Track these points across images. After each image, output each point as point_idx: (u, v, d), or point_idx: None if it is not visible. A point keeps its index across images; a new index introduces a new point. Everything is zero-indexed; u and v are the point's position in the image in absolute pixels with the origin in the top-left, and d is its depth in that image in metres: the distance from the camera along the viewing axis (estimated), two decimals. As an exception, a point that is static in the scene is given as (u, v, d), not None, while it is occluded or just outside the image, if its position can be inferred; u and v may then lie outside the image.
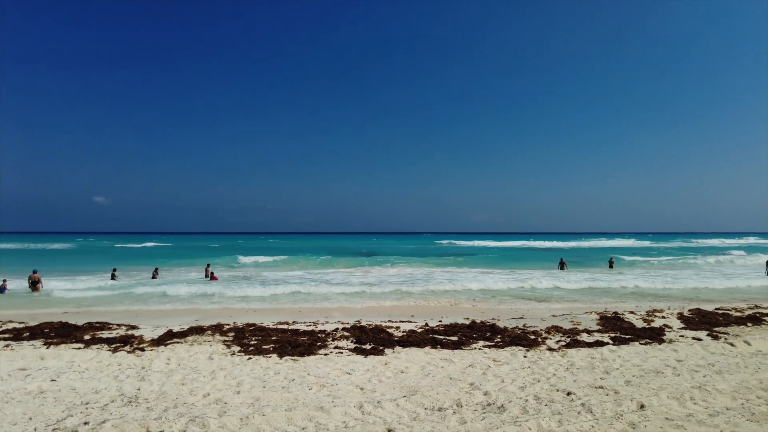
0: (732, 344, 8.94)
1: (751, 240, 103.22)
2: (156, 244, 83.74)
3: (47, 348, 8.74)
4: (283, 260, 41.78)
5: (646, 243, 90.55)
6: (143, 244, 78.40)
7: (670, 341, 9.56)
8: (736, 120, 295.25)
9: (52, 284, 21.40)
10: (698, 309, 13.70)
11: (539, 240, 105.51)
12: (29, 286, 20.20)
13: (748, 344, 8.94)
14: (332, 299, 18.20)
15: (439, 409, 5.40)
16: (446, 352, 8.89)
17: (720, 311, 13.38)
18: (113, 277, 24.57)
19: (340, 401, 5.68)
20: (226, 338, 9.67)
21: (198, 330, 10.09)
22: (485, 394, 5.99)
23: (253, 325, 11.17)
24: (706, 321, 11.90)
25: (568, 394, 5.92)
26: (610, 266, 35.47)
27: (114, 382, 6.61)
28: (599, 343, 9.44)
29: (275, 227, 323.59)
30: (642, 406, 5.37)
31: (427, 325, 11.79)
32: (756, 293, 19.46)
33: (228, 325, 11.00)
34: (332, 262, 40.37)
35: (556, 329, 11.23)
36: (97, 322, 11.50)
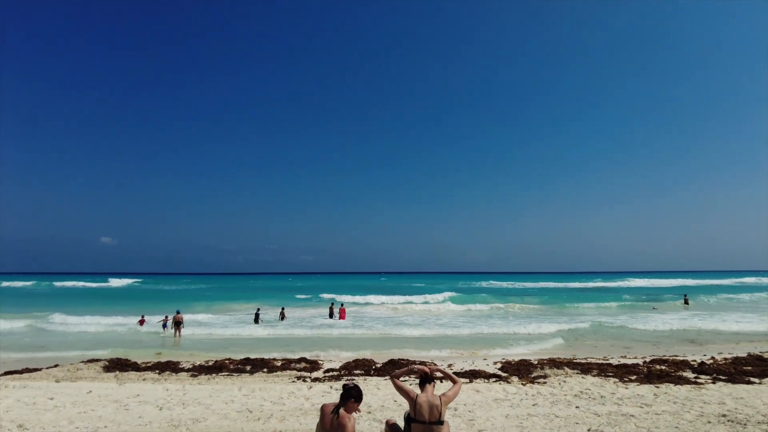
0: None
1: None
2: (189, 285, 75.47)
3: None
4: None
5: (689, 281, 79.10)
6: (176, 286, 72.12)
7: None
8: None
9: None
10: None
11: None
12: (172, 327, 19.57)
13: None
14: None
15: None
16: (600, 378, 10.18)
17: None
18: (257, 319, 23.59)
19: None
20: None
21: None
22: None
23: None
24: None
25: None
26: (686, 303, 33.35)
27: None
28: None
29: (269, 268, 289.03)
30: None
31: (504, 359, 12.62)
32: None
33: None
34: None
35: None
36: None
